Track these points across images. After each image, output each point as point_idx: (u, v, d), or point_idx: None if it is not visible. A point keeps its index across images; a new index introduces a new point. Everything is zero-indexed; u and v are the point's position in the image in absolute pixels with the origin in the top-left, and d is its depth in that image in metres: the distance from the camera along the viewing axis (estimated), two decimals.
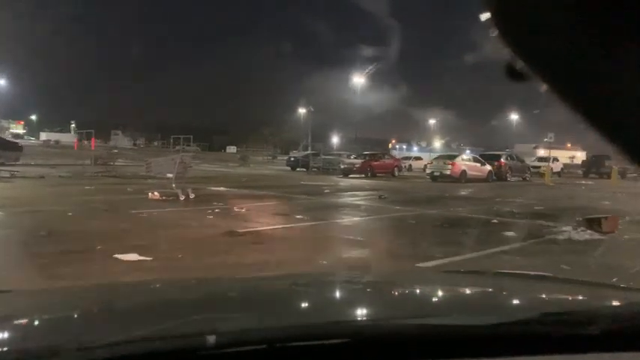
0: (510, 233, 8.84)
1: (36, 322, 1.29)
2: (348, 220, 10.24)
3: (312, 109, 49.65)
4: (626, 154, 0.50)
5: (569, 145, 53.59)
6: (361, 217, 10.75)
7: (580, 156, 50.61)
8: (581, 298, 1.63)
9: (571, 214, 11.95)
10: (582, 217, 9.55)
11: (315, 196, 14.95)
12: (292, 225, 9.08)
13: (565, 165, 40.80)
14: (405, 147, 69.68)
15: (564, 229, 9.33)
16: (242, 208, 10.89)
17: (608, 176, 34.02)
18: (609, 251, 7.50)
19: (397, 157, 36.74)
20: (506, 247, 7.49)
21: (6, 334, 1.15)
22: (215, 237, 7.56)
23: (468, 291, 1.79)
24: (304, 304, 1.52)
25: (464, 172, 24.49)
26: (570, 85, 0.47)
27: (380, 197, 14.99)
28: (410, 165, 39.10)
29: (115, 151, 33.82)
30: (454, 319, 1.20)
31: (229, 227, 8.26)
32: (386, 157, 31.32)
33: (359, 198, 15.38)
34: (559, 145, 37.56)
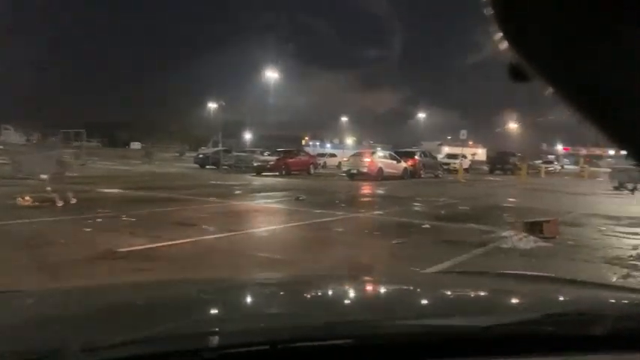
0: (449, 241, 7.68)
1: (39, 323, 1.22)
2: (264, 229, 8.52)
3: (224, 104, 47.09)
4: (635, 155, 0.49)
5: (470, 142, 55.51)
6: (279, 224, 9.06)
7: (481, 153, 52.51)
8: (583, 298, 1.61)
9: (500, 215, 11.19)
10: (522, 221, 8.62)
11: (224, 198, 13.07)
12: (195, 239, 7.22)
13: (471, 162, 41.73)
14: (318, 144, 69.51)
15: (504, 234, 8.36)
16: (133, 217, 8.85)
17: (512, 172, 35.17)
18: (567, 262, 6.50)
19: (312, 154, 35.53)
20: (451, 263, 6.21)
21: (10, 335, 1.11)
22: (84, 260, 5.63)
23: (470, 292, 1.74)
24: (306, 305, 1.50)
25: (380, 169, 23.64)
26: (572, 86, 0.46)
27: (298, 199, 13.48)
28: (325, 162, 38.20)
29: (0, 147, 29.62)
30: (456, 320, 1.18)
31: (109, 245, 6.33)
32: (301, 154, 29.93)
33: (275, 200, 13.72)
34: (461, 142, 38.33)
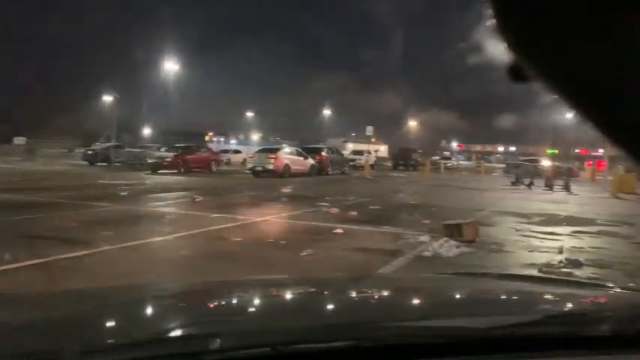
0: (366, 250, 6.62)
1: (39, 325, 1.21)
2: (145, 242, 6.90)
3: (118, 97, 43.46)
4: (635, 156, 0.48)
5: (373, 139, 56.25)
6: (166, 235, 7.42)
7: (383, 150, 53.36)
8: (583, 299, 1.61)
9: (414, 215, 10.39)
10: (442, 223, 7.76)
11: (106, 201, 11.08)
12: (47, 259, 5.44)
13: (375, 158, 41.94)
14: (222, 140, 67.47)
15: (423, 239, 7.46)
16: None
17: (414, 168, 35.66)
18: (501, 272, 5.63)
19: (215, 150, 33.60)
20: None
21: (10, 336, 1.09)
22: None
23: (470, 293, 1.73)
24: (307, 307, 1.48)
25: (287, 166, 22.47)
26: (572, 87, 0.46)
27: (194, 200, 11.89)
28: (229, 159, 36.44)
29: None
30: (457, 322, 1.18)
31: None
32: (202, 150, 27.94)
33: (167, 202, 11.98)
34: (364, 139, 38.43)
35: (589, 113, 0.46)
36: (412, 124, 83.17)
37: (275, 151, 23.57)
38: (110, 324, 1.24)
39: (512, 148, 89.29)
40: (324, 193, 14.86)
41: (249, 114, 78.44)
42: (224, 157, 36.59)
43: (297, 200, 13.25)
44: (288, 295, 1.66)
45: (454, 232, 7.48)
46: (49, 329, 1.15)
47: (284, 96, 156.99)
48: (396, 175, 29.91)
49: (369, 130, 33.12)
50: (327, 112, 72.88)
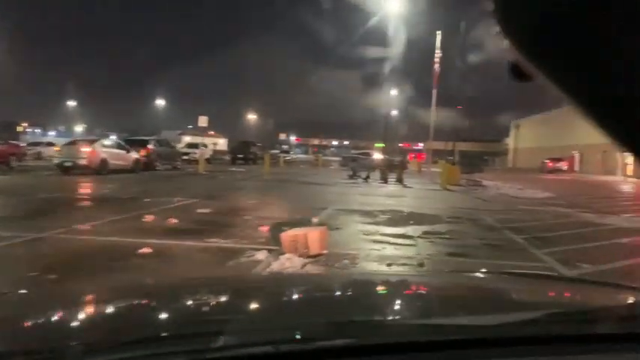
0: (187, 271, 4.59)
1: (41, 324, 1.21)
2: None
3: None
4: (636, 154, 0.48)
5: (212, 132, 53.84)
6: None
7: (223, 143, 51.22)
8: (585, 297, 1.59)
9: (250, 221, 8.54)
10: (283, 234, 6.03)
11: None
12: None
13: (213, 151, 39.52)
14: (39, 131, 60.06)
15: (258, 256, 5.72)
16: None
17: (254, 162, 34.10)
18: None
19: (20, 143, 28.21)
20: None
21: (12, 335, 1.08)
22: None
23: (473, 291, 1.69)
24: (308, 305, 1.45)
25: (104, 161, 19.05)
26: (574, 85, 0.46)
27: None
28: (39, 152, 31.05)
29: None
30: (459, 320, 1.16)
31: None
32: None
33: None
34: (203, 132, 35.92)
35: (591, 111, 0.45)
36: (252, 116, 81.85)
37: (89, 143, 19.89)
38: (111, 323, 1.20)
39: (346, 142, 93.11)
40: (144, 193, 12.33)
41: (71, 103, 69.76)
42: (33, 150, 31.24)
43: (108, 203, 10.59)
44: (289, 293, 1.60)
45: (297, 244, 5.83)
46: (51, 328, 1.16)
47: (116, 84, 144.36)
48: (234, 169, 27.92)
49: (203, 120, 30.38)
50: (160, 102, 67.75)
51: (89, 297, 1.50)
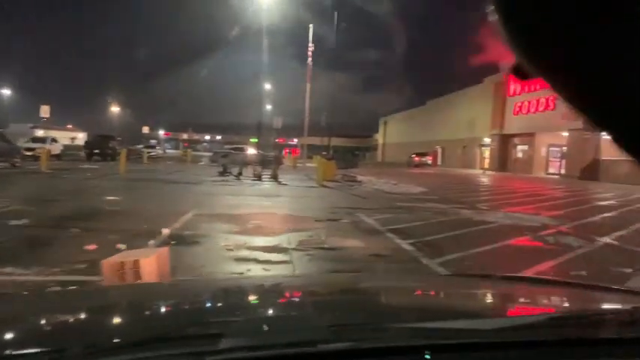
0: None
1: (43, 324, 1.21)
2: None
3: None
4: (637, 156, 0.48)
5: (70, 125, 48.21)
6: None
7: (82, 137, 46.59)
8: (587, 301, 1.56)
9: (82, 237, 6.55)
10: (101, 250, 4.24)
11: None
12: None
13: (66, 147, 34.90)
14: None
15: None
16: None
17: (113, 158, 30.56)
18: None
19: None
20: None
21: (13, 336, 1.09)
22: None
23: (474, 295, 1.69)
24: (310, 308, 1.41)
25: None
26: (573, 85, 0.46)
27: None
28: None
29: None
30: (457, 324, 1.13)
31: None
32: None
33: None
34: (59, 125, 31.52)
35: (590, 111, 0.46)
36: (115, 109, 75.23)
37: None
38: (113, 324, 1.19)
39: (219, 137, 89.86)
40: None
41: None
42: None
43: None
44: (291, 296, 1.61)
45: (125, 275, 4.09)
46: (53, 329, 1.16)
47: None
48: (87, 167, 24.50)
49: (45, 110, 26.32)
50: (6, 92, 59.20)
51: (90, 298, 1.49)
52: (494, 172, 35.44)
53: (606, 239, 7.84)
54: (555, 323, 1.06)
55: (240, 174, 18.97)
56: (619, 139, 0.47)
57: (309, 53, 35.65)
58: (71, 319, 1.24)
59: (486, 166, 39.50)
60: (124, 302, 1.42)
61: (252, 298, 1.53)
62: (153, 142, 64.19)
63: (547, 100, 32.29)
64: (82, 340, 0.96)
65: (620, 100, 0.44)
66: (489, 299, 1.63)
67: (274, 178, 18.53)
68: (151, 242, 6.11)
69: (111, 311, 1.32)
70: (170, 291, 1.63)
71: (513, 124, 36.85)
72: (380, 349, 0.89)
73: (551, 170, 34.26)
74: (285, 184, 17.18)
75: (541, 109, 33.14)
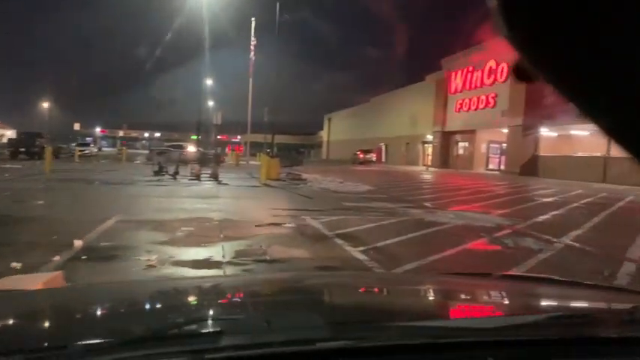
0: None
1: (43, 322, 1.22)
2: None
3: None
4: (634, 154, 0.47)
5: None
6: None
7: (11, 134, 43.69)
8: (585, 300, 1.55)
9: None
10: None
11: None
12: None
13: None
14: None
15: None
16: None
17: (40, 157, 28.23)
18: None
19: None
20: None
21: (13, 334, 1.08)
22: None
23: (473, 293, 1.66)
24: (308, 306, 1.39)
25: None
26: (575, 88, 0.45)
27: None
28: None
29: None
30: (459, 322, 1.17)
31: None
32: None
33: None
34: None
35: (592, 113, 0.45)
36: (46, 106, 70.69)
37: None
38: (113, 321, 1.18)
39: (158, 134, 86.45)
40: None
41: None
42: None
43: None
44: (289, 294, 1.58)
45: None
46: (52, 327, 1.15)
47: None
48: (9, 166, 22.34)
49: None
50: None
51: (89, 296, 1.47)
52: (436, 169, 35.67)
53: (565, 240, 7.43)
54: (554, 322, 1.04)
55: (176, 173, 17.70)
56: (622, 141, 0.45)
57: (252, 48, 34.49)
58: (71, 317, 1.21)
59: (429, 163, 39.80)
60: (120, 300, 1.39)
61: (251, 296, 1.51)
62: (89, 139, 61.30)
63: (487, 97, 32.81)
64: (80, 338, 0.93)
65: (628, 104, 0.42)
66: (488, 298, 1.62)
67: (214, 177, 17.41)
68: (56, 258, 5.06)
69: (108, 309, 1.31)
70: (167, 289, 1.61)
71: (455, 121, 37.24)
72: (378, 348, 0.89)
73: (490, 166, 34.86)
74: (226, 184, 16.12)
75: (481, 106, 33.60)
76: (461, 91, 36.29)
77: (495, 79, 31.87)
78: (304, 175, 20.08)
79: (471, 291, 1.67)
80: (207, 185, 15.48)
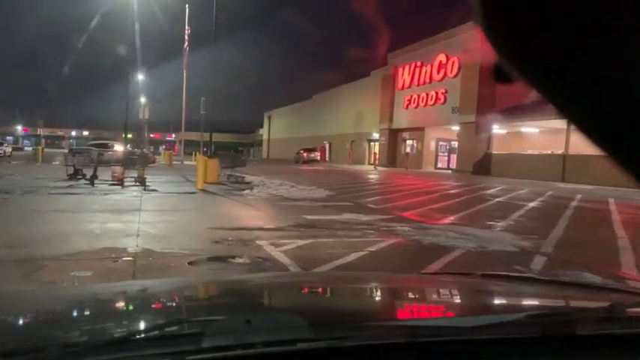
0: None
1: (24, 323, 1.18)
2: None
3: None
4: (621, 164, 0.45)
5: None
6: None
7: None
8: (569, 299, 1.55)
9: None
10: None
11: None
12: None
13: None
14: None
15: None
16: None
17: None
18: None
19: None
20: None
21: None
22: None
23: (456, 293, 1.66)
24: (292, 306, 1.42)
25: None
26: (555, 90, 0.44)
27: None
28: None
29: None
30: (442, 321, 1.16)
31: None
32: None
33: None
34: None
35: (572, 114, 0.44)
36: None
37: None
38: (95, 322, 1.15)
39: (85, 132, 79.93)
40: None
41: None
42: None
43: None
44: (272, 294, 1.58)
45: None
46: (33, 327, 1.13)
47: None
48: None
49: None
50: None
51: (74, 297, 1.46)
52: (384, 168, 33.90)
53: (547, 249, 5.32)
54: (534, 320, 1.03)
55: (94, 177, 14.46)
56: (601, 142, 0.44)
57: (186, 37, 31.18)
58: (53, 318, 1.20)
59: (376, 161, 38.04)
60: (102, 301, 1.35)
61: (232, 297, 1.50)
62: (9, 138, 55.78)
63: (437, 93, 31.30)
64: (62, 339, 0.93)
65: (609, 105, 0.42)
66: (471, 297, 1.60)
67: (140, 181, 14.35)
68: None
69: (90, 311, 1.28)
70: (150, 290, 1.55)
71: (403, 118, 35.61)
72: (360, 347, 0.88)
73: (439, 165, 33.52)
74: (154, 190, 13.14)
75: (431, 102, 32.08)
76: (409, 87, 34.68)
77: (445, 74, 30.39)
78: (248, 178, 17.35)
79: (452, 290, 1.67)
80: (130, 193, 12.41)
